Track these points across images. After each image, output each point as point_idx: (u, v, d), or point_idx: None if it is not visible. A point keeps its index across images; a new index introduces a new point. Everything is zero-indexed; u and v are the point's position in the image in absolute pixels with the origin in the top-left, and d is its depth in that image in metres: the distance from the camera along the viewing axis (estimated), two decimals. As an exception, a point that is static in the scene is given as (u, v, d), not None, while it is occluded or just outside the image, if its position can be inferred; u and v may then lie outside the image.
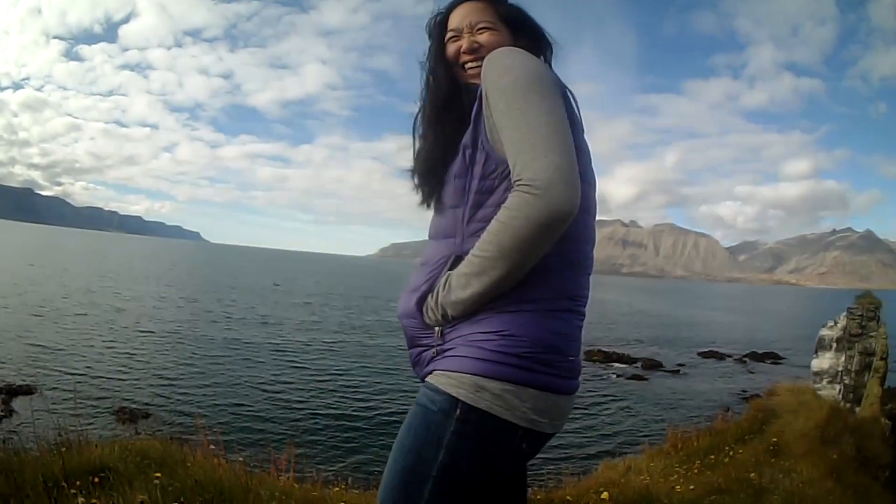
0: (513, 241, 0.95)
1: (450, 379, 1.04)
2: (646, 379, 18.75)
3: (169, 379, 13.60)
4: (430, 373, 1.09)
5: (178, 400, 11.94)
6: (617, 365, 20.70)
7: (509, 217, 0.95)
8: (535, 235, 0.93)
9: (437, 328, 1.10)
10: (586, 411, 13.56)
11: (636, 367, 20.66)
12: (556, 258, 1.04)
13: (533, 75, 1.02)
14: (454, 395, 1.02)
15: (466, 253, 1.04)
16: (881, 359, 9.17)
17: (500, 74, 1.03)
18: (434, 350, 1.10)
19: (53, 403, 8.95)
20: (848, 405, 9.15)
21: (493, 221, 0.98)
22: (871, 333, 9.46)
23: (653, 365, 21.17)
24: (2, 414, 9.73)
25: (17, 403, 10.32)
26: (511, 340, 1.02)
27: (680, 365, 21.60)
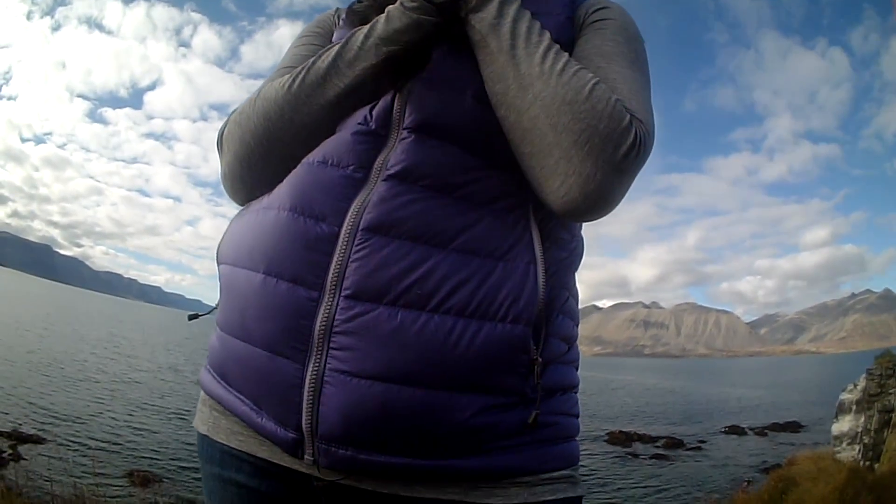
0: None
1: (570, 482, 0.68)
2: (667, 457, 18.08)
3: (183, 456, 12.30)
4: (526, 472, 0.64)
5: (195, 477, 11.45)
6: (638, 445, 19.95)
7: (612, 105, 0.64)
8: (624, 144, 0.64)
9: (536, 367, 0.61)
10: (603, 491, 13.09)
11: (657, 447, 19.85)
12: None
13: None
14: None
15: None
16: (900, 412, 9.03)
17: (634, 29, 0.79)
18: (533, 415, 0.61)
19: (62, 460, 8.48)
20: (867, 463, 8.92)
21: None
22: (891, 391, 9.35)
23: (674, 443, 20.37)
24: (11, 458, 8.88)
25: (25, 451, 9.58)
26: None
27: (701, 441, 20.84)
